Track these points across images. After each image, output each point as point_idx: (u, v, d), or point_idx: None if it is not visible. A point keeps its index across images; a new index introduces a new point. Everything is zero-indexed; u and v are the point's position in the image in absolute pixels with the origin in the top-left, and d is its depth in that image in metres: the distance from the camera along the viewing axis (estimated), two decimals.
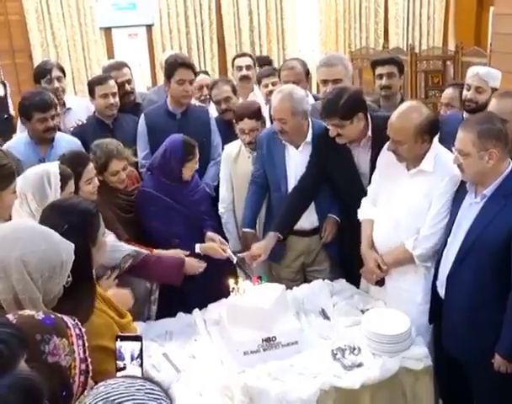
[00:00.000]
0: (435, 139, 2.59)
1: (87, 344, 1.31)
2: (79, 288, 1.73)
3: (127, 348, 1.76)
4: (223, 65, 6.92)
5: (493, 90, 3.31)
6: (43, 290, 1.53)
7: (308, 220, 3.09)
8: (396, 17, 7.51)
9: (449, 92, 3.64)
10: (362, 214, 2.83)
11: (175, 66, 3.39)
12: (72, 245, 1.64)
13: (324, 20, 7.38)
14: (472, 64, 4.48)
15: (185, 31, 6.83)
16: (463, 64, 5.59)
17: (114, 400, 1.06)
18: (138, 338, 1.74)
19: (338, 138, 2.80)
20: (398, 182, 2.66)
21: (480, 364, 2.32)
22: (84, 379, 1.26)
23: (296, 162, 3.05)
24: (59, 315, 1.32)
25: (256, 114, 3.19)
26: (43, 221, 1.88)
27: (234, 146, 3.34)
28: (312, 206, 3.08)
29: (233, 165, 3.30)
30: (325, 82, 3.29)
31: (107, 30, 6.67)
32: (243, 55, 4.60)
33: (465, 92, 3.34)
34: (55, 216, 1.90)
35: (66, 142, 3.13)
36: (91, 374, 1.30)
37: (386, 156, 2.70)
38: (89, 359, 1.30)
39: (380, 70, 3.64)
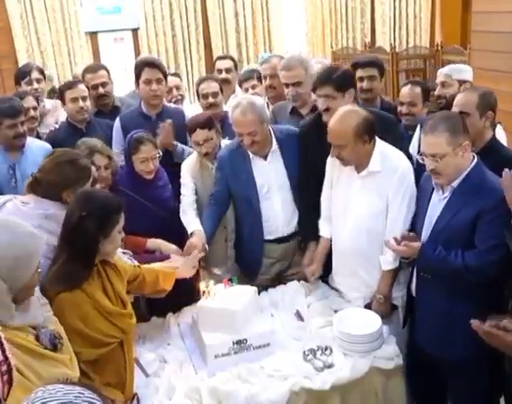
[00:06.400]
0: (378, 139, 2.59)
1: (7, 347, 1.38)
2: (74, 264, 2.03)
3: None
4: (210, 67, 6.87)
5: (461, 83, 3.34)
6: (8, 279, 1.62)
7: (289, 225, 3.01)
8: (382, 16, 7.54)
9: (406, 90, 3.38)
10: (321, 231, 2.86)
11: (141, 66, 3.39)
12: (44, 238, 1.77)
13: (310, 21, 7.40)
14: (452, 62, 4.47)
15: (171, 34, 6.85)
16: (444, 62, 5.59)
17: None
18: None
19: (326, 113, 2.76)
20: (351, 185, 2.66)
21: (455, 361, 2.32)
22: (8, 378, 1.33)
23: (265, 172, 2.95)
24: None
25: (207, 123, 3.06)
26: (71, 204, 2.16)
27: (193, 160, 3.18)
28: (295, 211, 3.01)
29: (198, 179, 3.13)
30: (286, 85, 3.29)
31: (92, 35, 6.69)
32: (224, 57, 4.59)
33: (436, 92, 3.33)
34: (79, 202, 2.12)
35: (36, 148, 3.10)
36: (14, 369, 1.39)
37: (333, 162, 2.71)
38: (10, 360, 1.37)
39: (360, 72, 3.56)
